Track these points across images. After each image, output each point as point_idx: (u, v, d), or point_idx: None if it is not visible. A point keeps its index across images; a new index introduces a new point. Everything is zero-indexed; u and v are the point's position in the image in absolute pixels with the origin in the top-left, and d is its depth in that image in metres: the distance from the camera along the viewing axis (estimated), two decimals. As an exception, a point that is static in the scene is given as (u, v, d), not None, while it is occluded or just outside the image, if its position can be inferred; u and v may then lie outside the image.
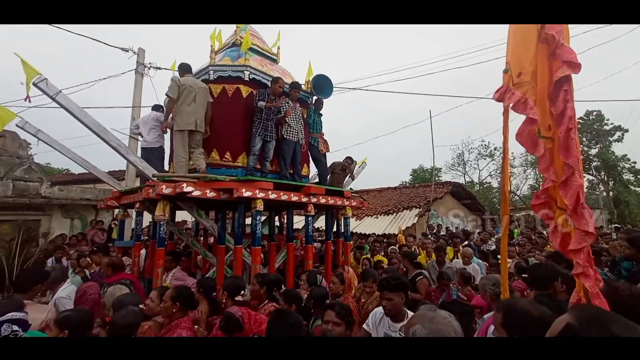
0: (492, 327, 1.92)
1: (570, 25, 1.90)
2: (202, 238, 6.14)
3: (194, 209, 4.12)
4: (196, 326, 2.44)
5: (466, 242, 6.62)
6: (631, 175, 27.71)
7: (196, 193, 3.56)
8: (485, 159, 27.98)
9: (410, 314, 2.29)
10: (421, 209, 12.30)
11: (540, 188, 1.91)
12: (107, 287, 3.31)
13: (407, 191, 15.78)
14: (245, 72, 4.45)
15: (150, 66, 8.54)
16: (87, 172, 5.14)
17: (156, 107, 5.34)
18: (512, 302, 1.55)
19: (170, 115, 4.39)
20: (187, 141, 4.06)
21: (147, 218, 4.73)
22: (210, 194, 3.68)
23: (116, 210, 6.10)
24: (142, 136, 5.17)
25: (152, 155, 4.84)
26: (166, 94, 4.19)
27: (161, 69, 8.37)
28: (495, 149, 26.87)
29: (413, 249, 6.37)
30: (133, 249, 4.40)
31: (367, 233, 11.00)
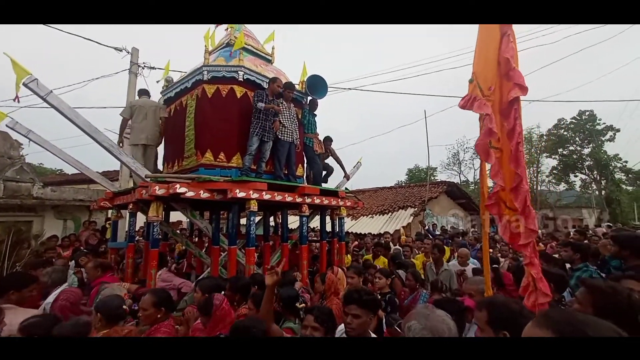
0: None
1: (562, 26, 1.99)
2: (196, 239, 6.12)
3: (188, 209, 4.11)
4: (178, 326, 2.40)
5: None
6: (623, 174, 28.10)
7: (189, 194, 3.55)
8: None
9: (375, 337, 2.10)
10: (416, 209, 12.37)
11: (492, 192, 2.25)
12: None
13: (402, 191, 15.85)
14: (239, 72, 4.44)
15: (144, 66, 8.49)
16: (80, 172, 5.10)
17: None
18: (492, 299, 1.58)
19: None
20: (141, 153, 4.73)
21: (141, 219, 4.70)
22: (204, 195, 3.67)
23: (110, 211, 6.05)
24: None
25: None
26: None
27: (155, 68, 8.32)
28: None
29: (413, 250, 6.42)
30: (126, 250, 4.36)
31: (363, 233, 11.04)
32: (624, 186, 28.14)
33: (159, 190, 3.48)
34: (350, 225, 12.39)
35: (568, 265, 3.79)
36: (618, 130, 27.77)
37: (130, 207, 4.26)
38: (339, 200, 5.06)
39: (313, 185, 4.98)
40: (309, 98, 5.30)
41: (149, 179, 3.78)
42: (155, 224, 3.69)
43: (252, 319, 1.95)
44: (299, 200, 4.31)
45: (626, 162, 27.58)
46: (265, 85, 4.60)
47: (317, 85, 5.19)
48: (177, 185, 3.46)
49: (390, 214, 12.78)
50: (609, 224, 12.93)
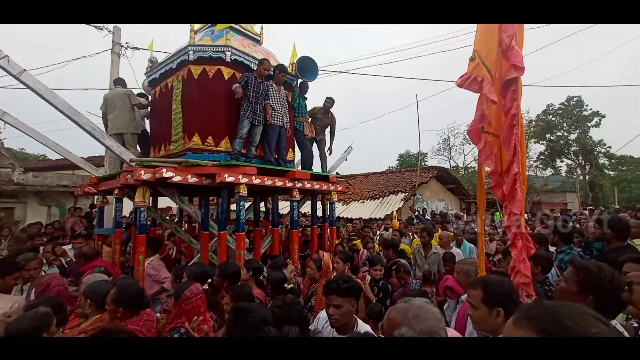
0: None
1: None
2: (186, 224, 6.06)
3: (176, 194, 4.03)
4: (159, 315, 2.28)
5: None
6: (606, 159, 28.83)
7: (177, 179, 3.46)
8: (470, 144, 28.35)
9: (361, 323, 2.03)
10: (407, 194, 12.49)
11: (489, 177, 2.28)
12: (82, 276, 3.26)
13: (393, 176, 15.94)
14: (226, 52, 4.27)
15: (127, 46, 8.12)
16: (64, 158, 4.92)
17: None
18: (486, 278, 1.61)
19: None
20: (121, 143, 4.57)
21: (129, 205, 4.61)
22: (192, 180, 3.59)
23: (95, 197, 5.90)
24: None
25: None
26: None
27: (138, 49, 7.97)
28: (479, 134, 27.28)
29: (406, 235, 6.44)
30: (113, 237, 4.28)
31: (354, 217, 11.12)
32: (606, 171, 28.95)
33: (145, 175, 3.39)
34: (342, 210, 12.46)
35: (553, 248, 3.90)
36: (603, 116, 28.27)
37: (116, 192, 4.16)
38: (330, 185, 5.03)
39: (304, 169, 4.94)
40: (299, 81, 5.17)
41: (134, 163, 3.67)
42: (142, 209, 3.61)
43: (256, 305, 1.88)
44: (289, 185, 4.27)
45: (609, 147, 28.25)
46: (254, 67, 4.46)
47: (307, 68, 5.06)
48: (164, 170, 3.37)
49: (381, 199, 12.88)
50: (590, 207, 13.33)
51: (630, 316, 1.78)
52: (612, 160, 29.13)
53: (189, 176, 3.58)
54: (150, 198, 5.04)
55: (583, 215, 9.26)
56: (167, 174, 3.37)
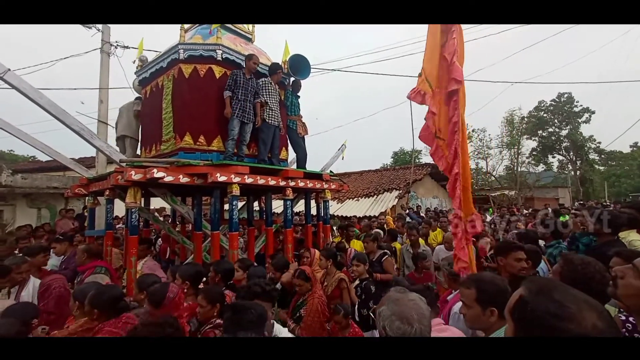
0: (455, 307, 1.99)
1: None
2: (179, 225, 6.01)
3: (168, 195, 3.99)
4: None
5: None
6: (596, 155, 29.28)
7: (168, 179, 3.43)
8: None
9: (277, 326, 2.08)
10: (401, 191, 12.54)
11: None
12: (80, 275, 3.23)
13: (387, 173, 15.98)
14: (217, 51, 4.24)
15: (117, 45, 8.00)
16: (53, 159, 4.85)
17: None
18: (478, 276, 1.60)
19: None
20: (122, 144, 5.08)
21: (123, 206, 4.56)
22: (184, 180, 3.56)
23: (87, 199, 5.82)
24: None
25: None
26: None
27: (129, 47, 7.85)
28: (473, 130, 27.42)
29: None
30: (104, 238, 4.23)
31: (349, 215, 11.14)
32: (596, 166, 29.43)
33: (136, 176, 3.35)
34: (336, 208, 12.47)
35: (543, 242, 3.95)
36: (593, 112, 28.69)
37: (107, 193, 4.11)
38: (324, 183, 5.03)
39: (298, 168, 4.93)
40: (292, 79, 5.15)
41: (125, 163, 3.62)
42: (133, 210, 3.58)
43: (253, 303, 1.87)
44: (282, 183, 4.25)
45: (599, 143, 28.70)
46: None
47: (299, 66, 5.04)
48: (155, 170, 3.33)
49: (375, 196, 12.91)
50: (581, 202, 13.54)
51: (620, 310, 1.82)
52: (602, 156, 29.63)
53: (181, 176, 3.55)
54: (142, 199, 4.99)
55: (580, 212, 9.34)
56: (158, 174, 3.34)
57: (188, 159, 3.83)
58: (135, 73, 5.09)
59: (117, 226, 7.66)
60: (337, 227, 7.17)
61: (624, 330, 1.76)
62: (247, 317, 1.60)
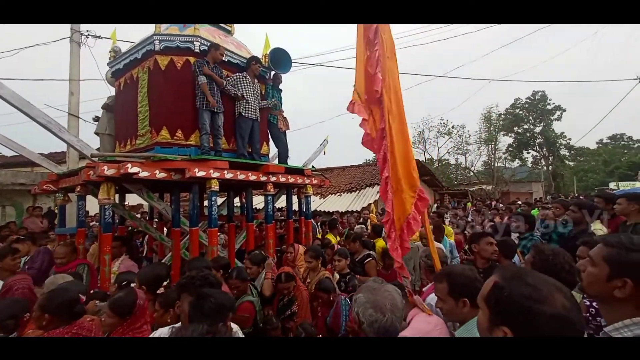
0: (429, 299, 2.05)
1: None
2: (157, 221, 5.85)
3: (144, 191, 3.87)
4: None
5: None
6: (567, 151, 30.74)
7: (144, 174, 3.31)
8: (443, 137, 29.24)
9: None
10: (383, 186, 12.70)
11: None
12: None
13: (369, 169, 16.16)
14: (195, 42, 4.10)
15: (88, 34, 7.62)
16: (19, 154, 4.56)
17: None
18: (449, 270, 1.64)
19: None
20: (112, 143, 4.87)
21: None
22: (160, 175, 3.45)
23: (57, 195, 5.55)
24: None
25: None
26: None
27: (101, 37, 7.50)
28: (453, 127, 28.14)
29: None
30: (76, 236, 4.06)
31: (331, 211, 11.20)
32: (567, 162, 30.93)
33: (109, 171, 3.22)
34: (319, 203, 12.50)
35: (516, 235, 4.12)
36: (564, 110, 30.05)
37: (78, 189, 3.93)
38: (305, 178, 5.01)
39: (280, 164, 4.89)
40: (272, 73, 5.08)
41: (97, 158, 3.47)
42: (106, 207, 3.44)
43: (217, 291, 1.84)
44: (263, 178, 4.20)
45: (570, 139, 30.14)
46: (226, 59, 4.33)
47: (280, 60, 4.97)
48: (129, 165, 3.21)
49: (357, 191, 13.04)
50: (553, 195, 14.19)
51: (584, 296, 1.94)
52: (572, 152, 31.14)
53: (157, 171, 3.44)
54: (117, 195, 4.81)
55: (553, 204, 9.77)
56: (132, 169, 3.22)
57: (165, 153, 3.71)
58: (107, 64, 4.86)
59: (92, 224, 7.37)
60: (321, 223, 7.20)
61: (587, 314, 1.87)
62: (207, 304, 1.61)
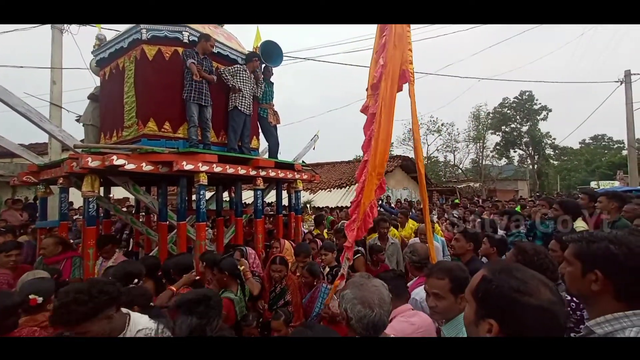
0: (414, 294, 2.07)
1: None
2: (144, 215, 5.75)
3: (130, 184, 3.78)
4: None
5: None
6: (551, 150, 31.50)
7: (130, 166, 3.23)
8: (433, 134, 29.44)
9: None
10: (373, 182, 12.79)
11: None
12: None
13: (360, 165, 16.20)
14: (183, 33, 4.01)
15: (72, 21, 7.35)
16: (-2, 145, 4.38)
17: None
18: (448, 266, 1.61)
19: None
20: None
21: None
22: (147, 168, 3.37)
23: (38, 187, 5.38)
24: None
25: None
26: None
27: (85, 24, 7.24)
28: (442, 124, 28.40)
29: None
30: (59, 230, 3.94)
31: (321, 206, 11.21)
32: (551, 161, 31.71)
33: (93, 162, 3.12)
34: (308, 199, 12.50)
35: (503, 231, 4.20)
36: (550, 110, 30.71)
37: (61, 181, 3.81)
38: (295, 173, 4.99)
39: (270, 158, 4.84)
40: (263, 66, 5.01)
41: (80, 149, 3.37)
42: (90, 199, 3.35)
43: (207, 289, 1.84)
44: (252, 173, 4.16)
45: (554, 139, 30.86)
46: (216, 50, 4.24)
47: (271, 53, 4.91)
48: (114, 157, 3.12)
49: (347, 187, 13.08)
50: (537, 193, 14.55)
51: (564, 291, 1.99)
52: (556, 151, 31.92)
53: (144, 164, 3.36)
54: (102, 188, 4.69)
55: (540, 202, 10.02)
56: (118, 161, 3.13)
57: (152, 146, 3.63)
58: (92, 53, 4.71)
59: (75, 217, 7.18)
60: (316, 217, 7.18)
61: (567, 308, 1.93)
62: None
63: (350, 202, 2.46)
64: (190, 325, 1.52)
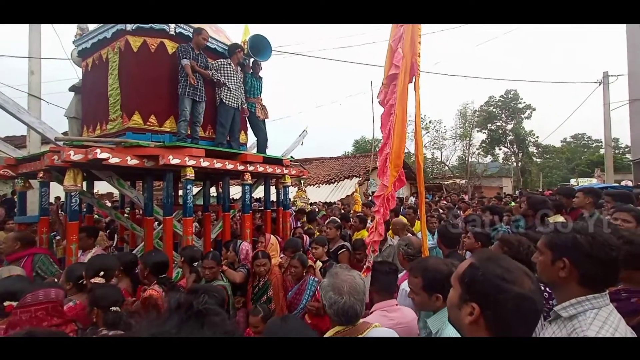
0: (403, 285, 2.12)
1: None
2: (129, 210, 5.64)
3: (114, 178, 3.70)
4: None
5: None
6: (534, 148, 32.37)
7: (114, 160, 3.17)
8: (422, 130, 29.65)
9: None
10: (361, 178, 12.89)
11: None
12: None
13: (348, 161, 16.30)
14: (170, 24, 3.93)
15: (52, 9, 7.06)
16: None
17: None
18: (424, 264, 1.64)
19: None
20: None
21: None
22: (132, 162, 3.31)
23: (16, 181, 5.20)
24: None
25: None
26: None
27: (68, 24, 6.97)
28: (430, 122, 28.71)
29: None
30: (39, 225, 3.83)
31: (310, 202, 11.21)
32: (534, 158, 32.59)
33: (75, 156, 3.05)
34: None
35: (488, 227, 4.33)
36: (534, 109, 31.47)
37: (41, 175, 3.69)
38: (284, 168, 4.99)
39: (259, 153, 4.82)
40: (252, 60, 4.97)
41: (62, 142, 3.28)
42: (73, 194, 3.27)
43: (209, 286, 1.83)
44: (240, 168, 4.14)
45: (537, 137, 31.69)
46: (212, 45, 4.18)
47: (260, 47, 4.86)
48: (98, 150, 3.05)
49: (336, 183, 13.14)
50: (520, 190, 14.97)
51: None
52: (539, 149, 32.81)
53: (129, 158, 3.30)
54: (85, 182, 4.58)
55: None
56: (102, 155, 3.06)
57: (137, 139, 3.56)
58: (73, 42, 4.55)
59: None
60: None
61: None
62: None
63: (375, 197, 2.49)
64: (178, 299, 1.50)
